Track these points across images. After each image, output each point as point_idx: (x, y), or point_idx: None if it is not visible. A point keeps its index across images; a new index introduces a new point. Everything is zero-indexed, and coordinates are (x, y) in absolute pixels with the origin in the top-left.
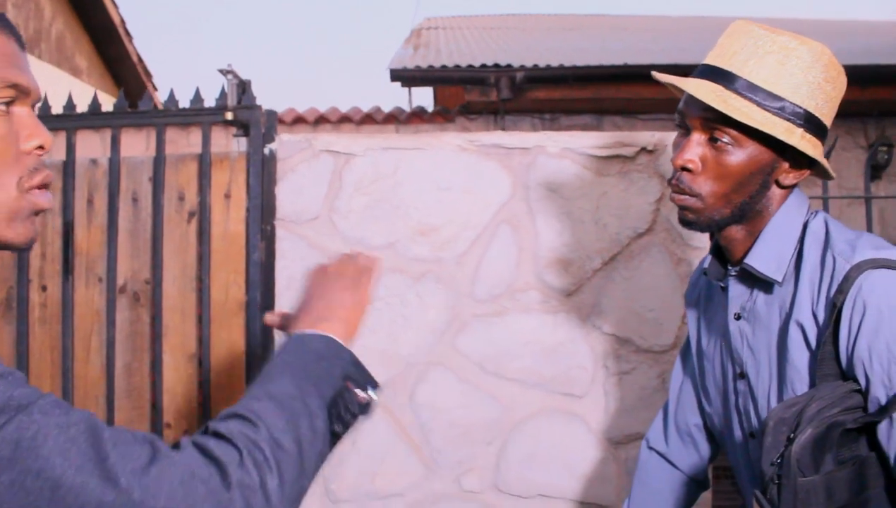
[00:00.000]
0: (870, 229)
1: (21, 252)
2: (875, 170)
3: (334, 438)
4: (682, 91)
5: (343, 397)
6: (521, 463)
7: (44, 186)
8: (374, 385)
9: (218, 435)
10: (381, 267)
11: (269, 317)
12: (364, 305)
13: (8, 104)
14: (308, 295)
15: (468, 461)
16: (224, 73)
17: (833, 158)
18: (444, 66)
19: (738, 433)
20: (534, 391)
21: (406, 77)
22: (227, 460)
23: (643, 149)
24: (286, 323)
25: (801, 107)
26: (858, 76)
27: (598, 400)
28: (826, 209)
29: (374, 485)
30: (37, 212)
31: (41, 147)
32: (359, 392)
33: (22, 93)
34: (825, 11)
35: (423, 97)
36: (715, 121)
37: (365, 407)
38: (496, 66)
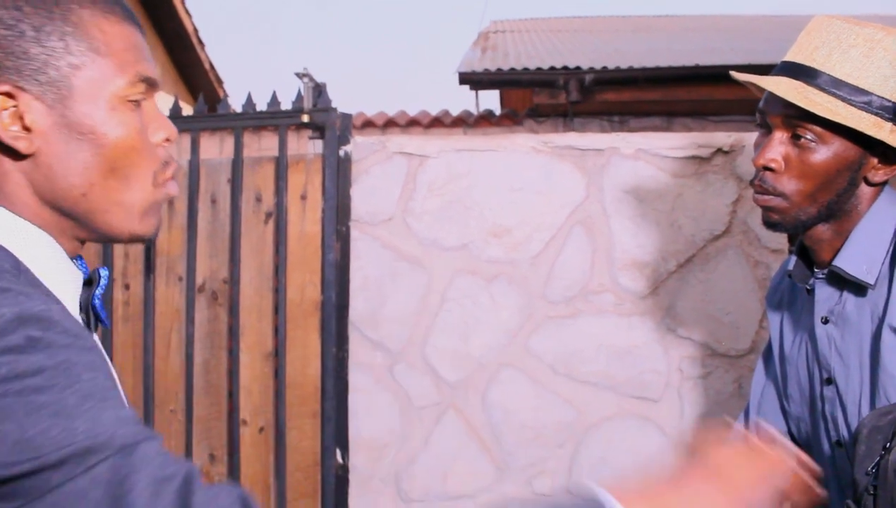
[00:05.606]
0: None
1: (146, 243)
2: None
3: None
4: (761, 90)
5: None
6: (593, 467)
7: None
8: None
9: None
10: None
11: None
12: None
13: (139, 100)
14: (681, 472)
15: (540, 463)
16: (300, 76)
17: None
18: (512, 69)
19: (824, 441)
20: (607, 394)
21: (475, 80)
22: None
23: (719, 150)
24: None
25: (889, 101)
26: None
27: (672, 404)
28: None
29: (445, 486)
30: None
31: (168, 139)
32: None
33: (151, 86)
34: None
35: (489, 100)
36: (797, 118)
37: None
38: (565, 68)
